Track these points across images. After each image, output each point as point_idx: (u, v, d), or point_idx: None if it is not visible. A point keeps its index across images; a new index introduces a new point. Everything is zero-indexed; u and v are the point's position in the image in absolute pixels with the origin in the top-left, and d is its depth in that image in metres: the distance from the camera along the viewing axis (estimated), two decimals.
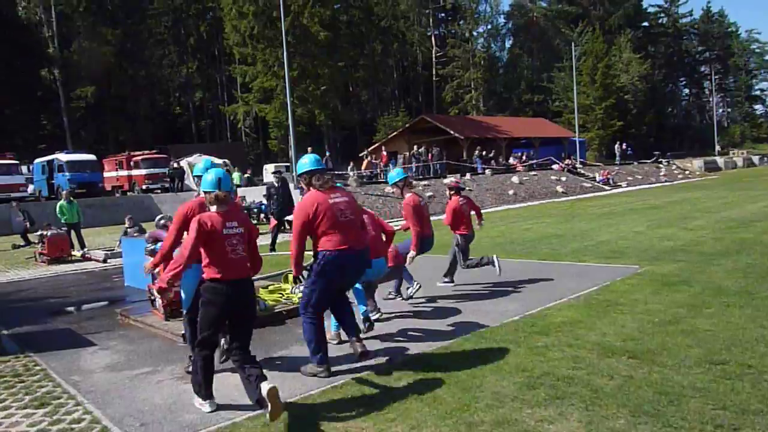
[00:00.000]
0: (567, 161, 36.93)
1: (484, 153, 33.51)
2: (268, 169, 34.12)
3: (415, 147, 30.85)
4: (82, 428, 3.92)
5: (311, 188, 4.57)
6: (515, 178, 29.71)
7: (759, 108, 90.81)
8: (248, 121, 51.61)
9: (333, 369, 4.68)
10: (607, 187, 32.44)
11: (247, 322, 4.06)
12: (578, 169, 36.15)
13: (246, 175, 29.97)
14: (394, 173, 7.27)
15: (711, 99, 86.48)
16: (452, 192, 8.06)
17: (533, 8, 71.40)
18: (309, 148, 27.94)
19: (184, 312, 4.88)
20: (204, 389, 4.03)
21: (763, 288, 6.45)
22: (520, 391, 4.02)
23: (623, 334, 5.17)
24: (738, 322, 5.28)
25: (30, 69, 41.95)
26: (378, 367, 4.74)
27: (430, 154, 30.63)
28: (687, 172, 43.15)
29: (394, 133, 40.00)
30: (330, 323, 5.26)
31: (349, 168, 30.03)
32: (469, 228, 7.86)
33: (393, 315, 6.54)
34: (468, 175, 28.69)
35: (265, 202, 22.20)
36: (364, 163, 29.14)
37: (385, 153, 30.86)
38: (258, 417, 3.89)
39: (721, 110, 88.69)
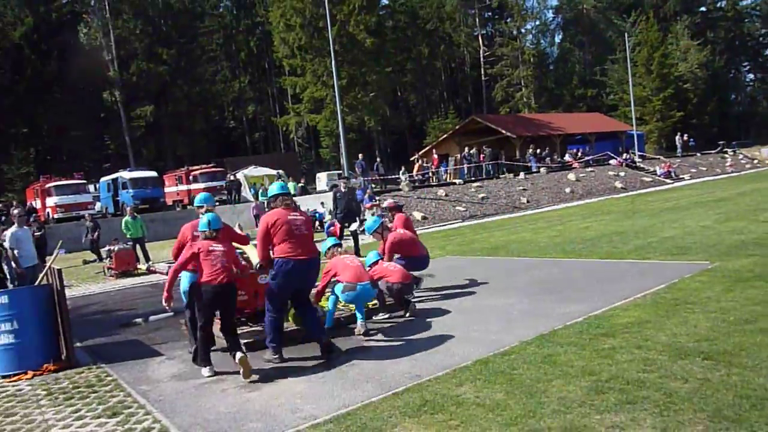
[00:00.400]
0: (625, 155, 35.71)
1: (537, 151, 32.84)
2: (321, 178, 34.59)
3: (466, 149, 30.56)
4: None
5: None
6: (571, 176, 28.95)
7: None
8: (300, 132, 52.59)
9: (391, 373, 4.74)
10: (669, 181, 31.14)
11: (229, 313, 5.47)
12: (637, 163, 34.88)
13: (300, 184, 30.49)
14: (371, 222, 7.92)
15: None
16: (393, 212, 8.44)
17: (583, 0, 69.58)
18: (360, 155, 28.25)
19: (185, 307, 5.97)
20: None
21: None
22: (588, 396, 3.87)
23: (696, 334, 4.91)
24: None
25: (93, 92, 44.18)
26: (438, 373, 4.67)
27: (481, 155, 30.28)
28: (756, 161, 40.85)
29: (444, 136, 39.77)
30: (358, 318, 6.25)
31: (400, 172, 30.06)
32: (417, 250, 7.88)
33: (448, 314, 6.46)
34: (522, 174, 28.18)
35: (320, 210, 22.58)
36: (416, 167, 29.11)
37: (435, 156, 30.74)
38: (320, 425, 3.90)
39: None
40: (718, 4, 77.98)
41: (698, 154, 40.80)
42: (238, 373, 5.28)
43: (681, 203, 17.69)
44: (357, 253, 11.80)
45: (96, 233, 18.28)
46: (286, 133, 55.79)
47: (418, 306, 7.18)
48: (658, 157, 39.38)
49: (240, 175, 30.76)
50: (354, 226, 12.31)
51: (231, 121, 62.86)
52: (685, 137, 43.16)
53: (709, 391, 3.73)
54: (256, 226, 24.22)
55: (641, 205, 18.66)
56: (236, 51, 59.74)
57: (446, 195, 23.63)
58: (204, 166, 34.25)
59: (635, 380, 4.04)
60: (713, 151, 43.01)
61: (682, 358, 4.38)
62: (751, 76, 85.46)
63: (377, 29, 43.23)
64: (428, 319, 6.58)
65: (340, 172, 28.12)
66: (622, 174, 30.75)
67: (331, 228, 13.80)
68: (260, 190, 28.45)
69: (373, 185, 27.14)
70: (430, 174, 29.16)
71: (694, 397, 3.67)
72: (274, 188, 5.83)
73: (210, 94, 54.18)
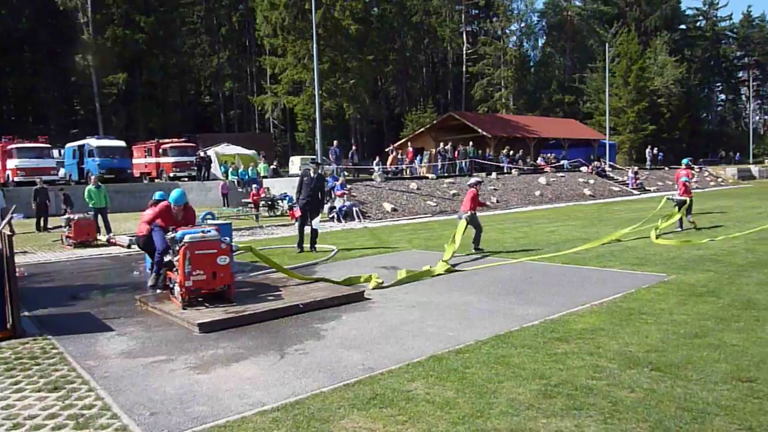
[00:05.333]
0: (596, 164, 36.29)
1: (511, 152, 33.12)
2: (294, 161, 34.24)
3: (441, 144, 30.62)
4: (92, 414, 3.92)
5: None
6: (542, 179, 29.31)
7: None
8: (276, 113, 51.85)
9: (344, 364, 4.74)
10: (636, 192, 31.79)
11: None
12: (607, 173, 35.49)
13: (272, 167, 30.13)
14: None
15: (748, 105, 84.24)
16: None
17: (568, 7, 70.24)
18: (335, 142, 28.06)
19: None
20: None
21: None
22: (537, 400, 3.90)
23: (647, 344, 5.01)
24: None
25: (65, 55, 42.73)
26: (392, 366, 4.66)
27: (456, 152, 30.38)
28: (720, 180, 42.01)
29: (421, 129, 39.76)
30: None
31: (374, 162, 29.97)
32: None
33: (406, 308, 6.46)
34: (494, 174, 28.39)
35: (290, 194, 22.36)
36: (390, 158, 29.05)
37: (411, 149, 30.73)
38: (267, 412, 3.84)
39: (757, 117, 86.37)
40: (698, 24, 79.86)
41: (666, 168, 41.74)
42: (188, 354, 5.18)
43: (646, 215, 18.03)
44: (312, 247, 11.58)
45: (68, 206, 17.73)
46: (261, 113, 54.99)
47: (376, 299, 7.17)
48: (627, 167, 40.10)
49: (211, 152, 30.22)
50: (316, 222, 11.76)
51: (207, 97, 61.66)
52: (655, 151, 44.12)
53: (654, 402, 3.80)
54: (224, 204, 23.98)
55: (607, 214, 19.01)
56: (217, 25, 58.45)
57: (418, 188, 23.66)
58: (175, 139, 33.59)
59: (584, 386, 4.09)
60: (681, 167, 43.99)
61: (631, 367, 4.45)
62: (723, 96, 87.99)
63: (363, 17, 42.86)
64: (386, 312, 6.56)
65: (314, 157, 27.89)
66: (591, 182, 31.26)
67: (290, 211, 13.51)
68: (230, 169, 28.05)
69: (346, 173, 27.01)
70: (404, 167, 29.15)
71: (638, 407, 3.73)
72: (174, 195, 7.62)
73: (187, 67, 52.98)
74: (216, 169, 29.84)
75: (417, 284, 8.10)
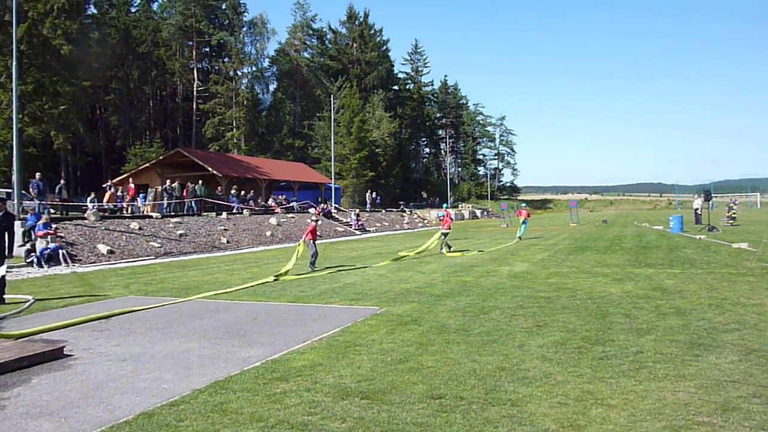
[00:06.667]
0: (323, 205, 38.56)
1: (242, 192, 33.09)
2: None
3: (168, 181, 29.01)
4: None
5: None
6: (273, 220, 29.88)
7: (481, 170, 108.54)
8: None
9: None
10: (358, 232, 34.60)
11: None
12: (333, 214, 37.96)
13: None
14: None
15: (445, 159, 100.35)
16: None
17: (297, 57, 74.16)
18: (38, 174, 24.32)
19: None
20: None
21: (477, 325, 7.34)
22: None
23: (358, 374, 5.35)
24: (456, 357, 5.88)
25: None
26: (93, 431, 4.09)
27: (185, 190, 29.08)
28: (426, 221, 48.54)
29: (146, 165, 37.15)
30: None
31: (89, 199, 26.76)
32: None
33: (116, 362, 5.80)
34: (225, 214, 27.93)
35: None
36: (107, 195, 26.27)
37: (132, 185, 28.36)
38: None
39: (453, 169, 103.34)
40: (408, 86, 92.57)
41: (383, 211, 46.64)
42: None
43: (365, 253, 19.73)
44: (1, 300, 9.76)
45: None
46: None
47: (79, 355, 6.30)
48: (351, 209, 43.61)
49: None
50: (2, 268, 9.71)
51: None
52: (374, 195, 49.00)
53: (362, 429, 4.05)
54: None
55: (332, 253, 20.22)
56: None
57: (140, 228, 21.88)
58: None
59: (300, 423, 4.16)
60: (395, 210, 49.72)
61: (344, 398, 4.70)
62: (428, 150, 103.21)
63: (78, 38, 38.73)
64: (90, 369, 5.79)
65: (9, 191, 23.71)
66: (319, 222, 32.97)
67: None
68: None
69: (52, 210, 23.59)
70: (125, 204, 26.70)
71: None
72: None
73: None
74: None
75: (130, 335, 7.37)
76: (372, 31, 79.30)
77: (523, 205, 27.90)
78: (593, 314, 7.74)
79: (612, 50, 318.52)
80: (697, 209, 32.19)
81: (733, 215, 30.23)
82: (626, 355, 5.72)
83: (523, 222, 24.75)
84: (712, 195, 33.13)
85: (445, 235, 18.53)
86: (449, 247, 18.52)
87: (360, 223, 36.20)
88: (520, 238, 23.97)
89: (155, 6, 67.07)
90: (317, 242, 15.19)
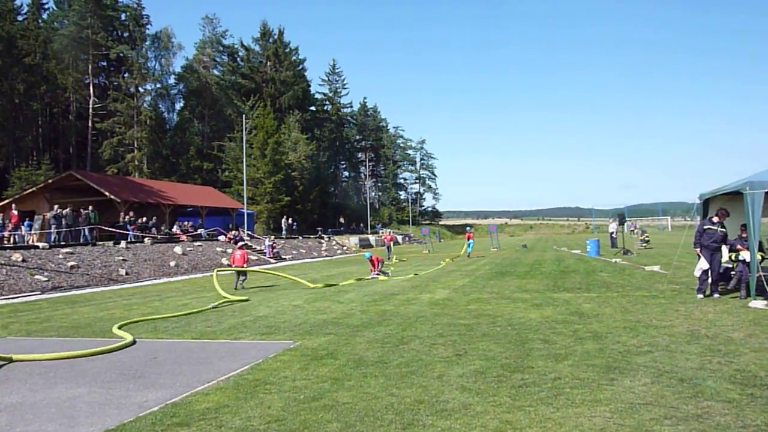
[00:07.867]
0: (234, 233, 37.21)
1: (144, 219, 31.24)
2: None
3: (58, 207, 26.73)
4: None
5: None
6: (178, 249, 28.38)
7: (402, 194, 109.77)
8: None
9: None
10: (273, 260, 33.59)
11: None
12: (246, 242, 36.72)
13: None
14: None
15: (365, 183, 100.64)
16: None
17: (206, 75, 71.54)
18: None
19: None
20: None
21: (395, 356, 7.10)
22: None
23: (269, 415, 4.95)
24: (373, 391, 5.59)
25: None
26: None
27: (79, 217, 26.97)
28: (345, 248, 48.12)
29: (32, 189, 34.07)
30: None
31: None
32: None
33: None
34: (123, 243, 26.15)
35: None
36: None
37: (15, 212, 25.89)
38: None
39: (373, 193, 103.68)
40: (325, 107, 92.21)
41: (300, 237, 45.75)
42: None
43: (280, 282, 19.05)
44: None
45: None
46: None
47: None
48: (266, 236, 42.42)
49: None
50: None
51: None
52: (290, 221, 47.99)
53: None
54: None
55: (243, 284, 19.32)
56: None
57: (24, 260, 19.93)
58: None
59: None
60: (313, 236, 48.91)
61: None
62: (347, 173, 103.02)
63: None
64: None
65: None
66: (230, 251, 31.76)
67: None
68: None
69: None
70: (6, 233, 24.29)
71: None
72: None
73: None
74: None
75: (7, 381, 6.48)
76: (287, 50, 78.29)
77: (468, 228, 33.69)
78: (512, 341, 7.74)
79: (531, 80, 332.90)
80: (612, 233, 33.64)
81: (646, 238, 32.02)
82: (544, 381, 5.69)
83: (469, 243, 31.68)
84: (626, 219, 35.01)
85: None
86: (387, 274, 20.34)
87: (275, 250, 35.22)
88: (468, 255, 30.92)
89: (45, 15, 62.88)
90: (234, 269, 16.53)
